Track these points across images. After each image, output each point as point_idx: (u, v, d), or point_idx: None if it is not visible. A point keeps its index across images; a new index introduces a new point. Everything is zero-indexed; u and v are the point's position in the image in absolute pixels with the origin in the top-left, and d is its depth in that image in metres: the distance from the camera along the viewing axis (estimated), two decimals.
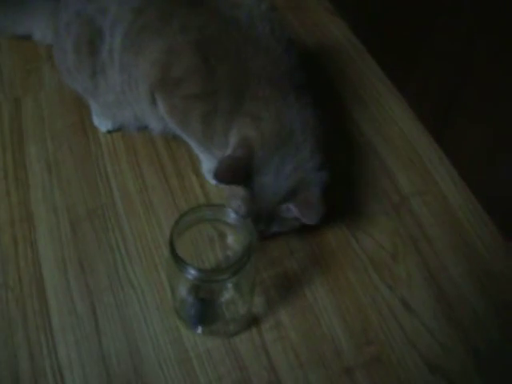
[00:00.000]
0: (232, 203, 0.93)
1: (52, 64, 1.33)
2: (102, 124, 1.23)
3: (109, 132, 1.23)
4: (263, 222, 0.96)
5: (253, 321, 0.98)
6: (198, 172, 1.17)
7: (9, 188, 1.15)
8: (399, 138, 1.26)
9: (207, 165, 1.15)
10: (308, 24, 1.51)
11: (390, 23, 1.33)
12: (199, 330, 0.96)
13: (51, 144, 1.22)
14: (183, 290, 0.96)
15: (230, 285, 0.95)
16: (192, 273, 0.80)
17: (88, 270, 1.04)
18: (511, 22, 0.95)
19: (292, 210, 0.93)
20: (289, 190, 0.93)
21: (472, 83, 1.10)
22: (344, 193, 1.16)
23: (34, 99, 1.30)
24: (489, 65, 1.04)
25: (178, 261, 0.81)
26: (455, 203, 1.16)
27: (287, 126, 0.94)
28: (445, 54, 1.16)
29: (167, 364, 0.94)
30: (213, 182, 1.15)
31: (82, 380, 0.93)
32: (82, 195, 1.14)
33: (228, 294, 0.97)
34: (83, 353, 0.95)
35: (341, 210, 1.13)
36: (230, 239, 1.01)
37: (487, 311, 1.01)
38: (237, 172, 0.90)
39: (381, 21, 1.38)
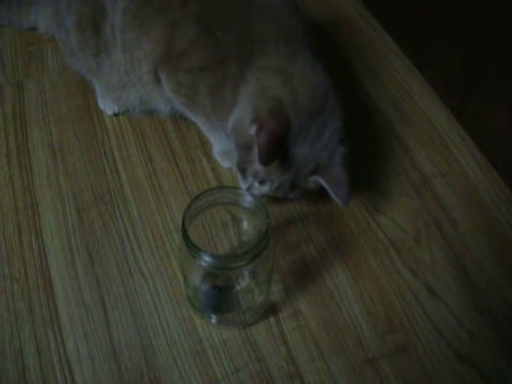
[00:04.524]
0: (248, 169, 0.91)
1: (55, 46, 1.29)
2: (108, 107, 1.19)
3: (115, 115, 1.19)
4: (283, 190, 0.93)
5: (270, 309, 0.94)
6: (209, 155, 1.12)
7: (12, 174, 1.11)
8: (418, 115, 1.21)
9: (218, 147, 1.11)
10: (322, 1, 1.46)
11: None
12: (214, 319, 0.92)
13: (55, 128, 1.17)
14: (197, 278, 0.91)
15: (246, 272, 0.90)
16: (206, 259, 0.76)
17: (96, 258, 1.00)
18: None
19: (321, 184, 0.90)
20: (322, 162, 0.89)
21: (493, 57, 1.06)
22: (362, 174, 1.11)
23: (37, 83, 1.26)
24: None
25: (192, 247, 0.76)
26: (478, 183, 1.11)
27: (320, 86, 0.90)
28: (464, 27, 1.11)
29: (181, 356, 0.90)
30: (224, 164, 1.11)
31: (92, 374, 0.88)
32: (89, 181, 1.09)
33: (244, 281, 0.92)
34: (92, 346, 0.91)
35: (360, 192, 1.08)
36: (245, 224, 0.96)
37: None
38: (279, 148, 0.86)
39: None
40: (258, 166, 0.89)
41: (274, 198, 1.03)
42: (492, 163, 1.13)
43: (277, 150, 0.86)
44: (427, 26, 1.23)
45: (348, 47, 1.35)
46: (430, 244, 1.02)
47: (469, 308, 0.95)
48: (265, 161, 0.86)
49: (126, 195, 1.07)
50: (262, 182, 0.92)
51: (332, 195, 0.89)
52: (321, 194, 1.04)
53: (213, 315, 0.92)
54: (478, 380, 0.89)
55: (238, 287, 0.93)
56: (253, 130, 0.85)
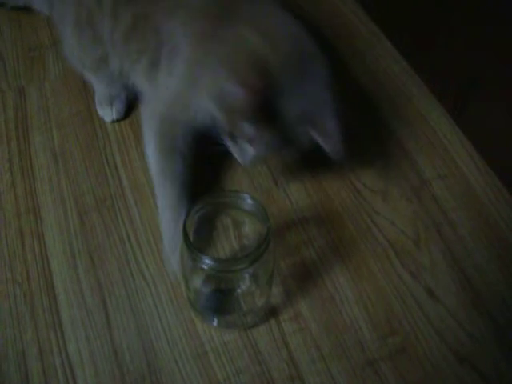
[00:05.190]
0: (237, 133, 0.90)
1: (56, 51, 1.30)
2: (106, 114, 1.20)
3: (114, 122, 1.20)
4: (276, 147, 0.92)
5: (271, 312, 0.94)
6: (210, 159, 1.13)
7: (14, 179, 1.11)
8: (417, 118, 1.22)
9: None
10: (322, 4, 1.47)
11: (405, 1, 1.29)
12: (215, 322, 0.92)
13: (57, 134, 1.18)
14: (198, 281, 0.91)
15: (246, 275, 0.90)
16: (207, 262, 0.76)
17: (98, 262, 1.00)
18: None
19: (312, 136, 0.89)
20: (312, 114, 0.88)
21: (492, 60, 1.06)
22: (362, 177, 1.11)
23: (39, 88, 1.27)
24: (509, 42, 1.00)
25: (192, 250, 0.76)
26: (478, 186, 1.11)
27: (299, 36, 0.91)
28: (462, 30, 1.12)
29: (182, 359, 0.90)
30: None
31: (94, 377, 0.89)
32: (90, 185, 1.10)
33: (244, 284, 0.92)
34: (94, 349, 0.91)
35: (359, 195, 1.09)
36: (246, 227, 0.97)
37: None
38: (266, 105, 0.85)
39: (396, 3, 1.33)
40: (247, 127, 0.88)
41: (272, 201, 1.03)
42: (491, 166, 1.13)
43: (265, 107, 0.85)
44: (425, 29, 1.24)
45: (346, 50, 1.36)
46: (430, 247, 1.02)
47: (469, 310, 0.95)
48: (256, 119, 0.85)
49: (127, 199, 1.08)
50: (253, 143, 0.90)
51: (324, 147, 0.88)
52: (321, 197, 1.05)
53: (214, 318, 0.92)
54: (478, 382, 0.88)
55: (239, 290, 0.93)
56: (239, 92, 0.84)
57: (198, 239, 0.87)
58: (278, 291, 0.96)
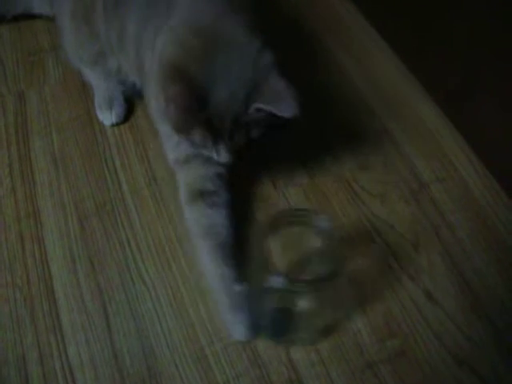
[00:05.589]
0: (193, 138, 0.89)
1: (56, 55, 1.30)
2: (106, 118, 1.20)
3: (113, 125, 1.20)
4: (237, 135, 0.89)
5: None
6: None
7: (14, 184, 1.11)
8: (416, 123, 1.23)
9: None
10: (318, 10, 1.47)
11: (404, 6, 1.29)
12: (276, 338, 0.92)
13: (57, 138, 1.19)
14: (263, 297, 0.89)
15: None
16: (279, 281, 0.77)
17: (98, 266, 1.00)
18: None
19: (263, 109, 0.85)
20: (248, 91, 0.85)
21: (490, 63, 1.06)
22: (361, 181, 1.12)
23: (39, 93, 1.27)
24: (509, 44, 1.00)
25: (266, 268, 0.77)
26: (476, 189, 1.12)
27: (211, 27, 0.88)
28: (460, 34, 1.12)
29: (182, 362, 0.91)
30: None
31: (94, 381, 0.89)
32: (90, 190, 1.10)
33: (305, 304, 0.88)
34: (95, 353, 0.91)
35: (358, 199, 1.09)
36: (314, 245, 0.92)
37: None
38: (191, 111, 0.83)
39: (394, 4, 1.33)
40: (197, 132, 0.87)
41: (271, 204, 1.04)
42: (489, 169, 1.14)
43: (191, 112, 0.84)
44: (426, 35, 1.24)
45: (342, 52, 1.36)
46: (429, 250, 1.03)
47: (467, 313, 0.96)
48: (179, 130, 0.86)
49: (127, 203, 1.08)
50: (215, 142, 0.89)
51: (275, 111, 0.84)
52: (319, 199, 1.05)
53: (277, 334, 0.93)
54: None
55: (298, 309, 0.89)
56: (163, 108, 0.85)
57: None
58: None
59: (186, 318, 0.95)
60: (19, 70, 1.31)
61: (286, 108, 0.83)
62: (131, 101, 1.22)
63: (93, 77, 1.22)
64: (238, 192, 1.05)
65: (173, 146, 1.03)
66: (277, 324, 0.92)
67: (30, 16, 1.39)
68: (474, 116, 1.15)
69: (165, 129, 1.01)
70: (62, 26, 1.17)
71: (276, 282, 0.76)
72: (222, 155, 0.92)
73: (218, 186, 1.02)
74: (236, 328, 0.91)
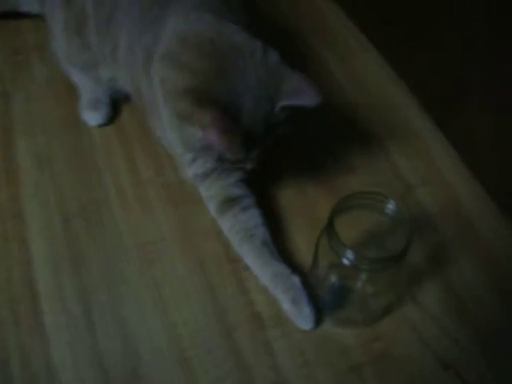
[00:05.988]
0: (211, 151, 0.88)
1: (42, 55, 1.29)
2: (91, 118, 1.20)
3: (99, 127, 1.19)
4: (269, 139, 0.90)
5: (255, 318, 0.95)
6: None
7: None
8: (402, 126, 1.23)
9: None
10: (302, 10, 1.48)
11: (390, 7, 1.30)
12: (328, 317, 0.95)
13: (42, 138, 1.18)
14: (325, 271, 0.93)
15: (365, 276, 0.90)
16: (349, 257, 0.79)
17: (82, 268, 1.00)
18: None
19: (289, 105, 0.86)
20: (269, 92, 0.85)
21: (477, 69, 1.07)
22: (347, 185, 1.12)
23: (24, 93, 1.26)
24: (494, 50, 1.01)
25: (337, 243, 0.79)
26: (462, 193, 1.12)
27: (211, 40, 0.86)
28: (449, 37, 1.13)
29: (166, 364, 0.90)
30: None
31: (78, 383, 0.88)
32: (75, 191, 1.10)
33: (361, 284, 0.91)
34: (78, 355, 0.91)
35: None
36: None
37: (499, 304, 0.97)
38: (232, 130, 0.83)
39: (379, 5, 1.34)
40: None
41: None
42: (474, 173, 1.14)
43: (234, 129, 0.83)
44: (412, 37, 1.24)
45: (332, 58, 1.36)
46: (413, 253, 1.02)
47: (452, 317, 0.96)
48: (237, 146, 0.85)
49: (111, 204, 1.08)
50: (249, 152, 0.89)
51: (303, 103, 0.85)
52: (306, 204, 1.05)
53: (331, 308, 0.95)
54: None
55: (355, 288, 0.93)
56: (201, 135, 0.84)
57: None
58: (262, 297, 0.97)
59: (170, 321, 0.94)
60: (4, 70, 1.30)
61: (309, 98, 0.84)
62: (117, 102, 1.22)
63: (82, 80, 1.21)
64: None
65: (189, 164, 1.02)
66: (337, 299, 0.95)
67: (16, 14, 1.37)
68: (460, 119, 1.16)
69: (179, 150, 1.01)
70: (54, 31, 1.15)
71: (347, 257, 0.79)
72: (250, 162, 0.93)
73: (243, 189, 1.03)
74: (301, 320, 0.93)
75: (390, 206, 0.85)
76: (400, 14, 1.26)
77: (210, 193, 1.04)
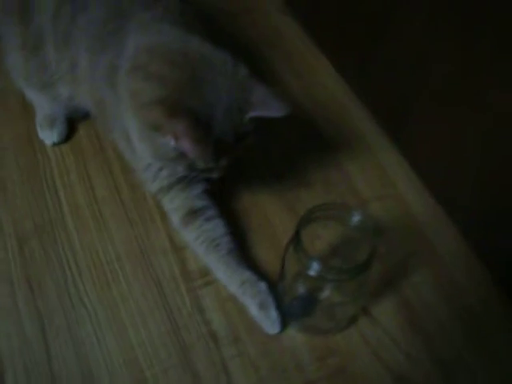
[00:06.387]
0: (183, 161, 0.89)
1: None
2: (47, 137, 1.19)
3: (54, 145, 1.19)
4: (237, 148, 0.91)
5: (210, 337, 0.95)
6: None
7: None
8: (356, 140, 1.25)
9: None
10: (259, 25, 1.49)
11: (344, 23, 1.32)
12: (294, 323, 0.97)
13: None
14: (292, 281, 0.94)
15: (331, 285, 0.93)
16: (316, 268, 0.81)
17: (37, 289, 0.99)
18: (470, 19, 0.94)
19: (257, 116, 0.89)
20: (239, 104, 0.87)
21: (430, 82, 1.09)
22: (302, 199, 1.13)
23: None
24: (446, 64, 1.03)
25: (304, 254, 0.81)
26: (415, 207, 1.14)
27: (180, 52, 0.88)
28: (401, 52, 1.15)
29: None
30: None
31: None
32: (30, 210, 1.09)
33: (327, 293, 0.94)
34: (32, 379, 0.90)
35: (297, 217, 1.10)
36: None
37: (451, 318, 1.00)
38: (204, 138, 0.84)
39: (334, 20, 1.36)
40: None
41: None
42: (428, 187, 1.16)
43: (205, 138, 0.84)
44: (366, 52, 1.26)
45: (288, 73, 1.38)
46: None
47: (405, 330, 0.98)
48: (208, 154, 0.86)
49: (67, 224, 1.07)
50: (217, 160, 0.90)
51: (272, 115, 0.88)
52: (261, 221, 1.06)
53: (297, 318, 0.97)
54: None
55: (322, 297, 0.95)
56: (173, 144, 0.85)
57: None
58: (217, 316, 0.97)
59: (126, 341, 0.94)
60: None
61: (278, 109, 0.88)
62: (73, 120, 1.21)
63: (37, 97, 1.20)
64: None
65: (152, 177, 1.02)
66: (304, 309, 0.96)
67: None
68: (413, 133, 1.18)
69: (142, 163, 1.01)
70: (8, 49, 1.12)
71: (313, 268, 0.81)
72: (218, 171, 0.94)
73: (207, 200, 1.04)
74: (268, 324, 0.95)
75: (356, 217, 0.87)
76: (353, 31, 1.28)
77: (174, 205, 1.04)
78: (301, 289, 0.95)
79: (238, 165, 0.98)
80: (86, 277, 1.01)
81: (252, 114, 0.88)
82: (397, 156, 1.21)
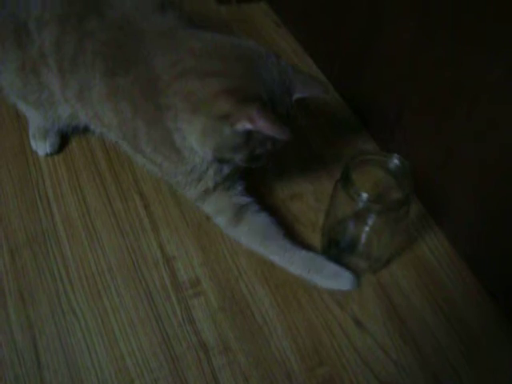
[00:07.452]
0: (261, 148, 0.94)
1: None
2: (40, 148, 1.20)
3: (47, 156, 1.20)
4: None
5: (200, 347, 0.95)
6: (141, 193, 1.14)
7: None
8: (347, 148, 1.26)
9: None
10: (254, 37, 1.50)
11: (337, 35, 1.33)
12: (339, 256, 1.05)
13: None
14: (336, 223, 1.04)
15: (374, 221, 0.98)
16: (364, 199, 0.90)
17: (28, 300, 0.99)
18: (458, 30, 0.96)
19: (301, 97, 0.95)
20: (287, 88, 0.93)
21: (420, 94, 1.10)
22: (292, 208, 1.14)
23: None
24: (435, 76, 1.04)
25: (352, 187, 0.91)
26: None
27: (231, 45, 0.93)
28: (391, 64, 1.16)
29: None
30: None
31: None
32: (22, 221, 1.09)
33: (369, 229, 1.00)
34: None
35: (292, 229, 1.11)
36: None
37: (440, 326, 1.00)
38: (275, 116, 0.87)
39: (327, 32, 1.37)
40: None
41: (203, 234, 1.05)
42: (418, 196, 1.17)
43: (275, 115, 0.87)
44: (357, 63, 1.28)
45: None
46: (358, 278, 1.05)
47: (395, 339, 0.98)
48: (286, 128, 0.87)
49: (59, 235, 1.08)
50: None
51: (315, 95, 0.96)
52: None
53: (343, 254, 1.06)
54: None
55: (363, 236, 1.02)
56: (247, 126, 0.86)
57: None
58: (207, 325, 0.98)
59: (117, 350, 0.94)
60: None
61: (318, 90, 0.96)
62: (66, 132, 1.22)
63: (32, 115, 1.21)
64: None
65: (197, 180, 1.03)
66: (347, 250, 1.07)
67: None
68: (403, 143, 1.18)
69: (186, 167, 1.01)
70: (3, 70, 1.10)
71: (361, 199, 0.90)
72: (265, 159, 0.98)
73: (248, 196, 1.09)
74: (347, 284, 1.03)
75: (394, 161, 0.96)
76: (345, 38, 1.30)
77: (219, 207, 1.07)
78: (345, 231, 1.05)
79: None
80: (78, 287, 1.01)
81: (298, 94, 0.94)
82: None
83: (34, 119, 1.21)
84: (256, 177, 1.14)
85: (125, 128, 1.00)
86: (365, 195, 0.90)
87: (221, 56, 0.91)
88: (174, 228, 1.10)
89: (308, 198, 1.17)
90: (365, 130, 1.29)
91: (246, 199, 1.08)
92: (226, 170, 1.02)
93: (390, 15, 1.12)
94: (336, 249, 1.07)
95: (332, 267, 1.03)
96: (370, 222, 0.97)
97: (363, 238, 1.02)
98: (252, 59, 0.91)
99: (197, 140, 0.92)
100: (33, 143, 1.21)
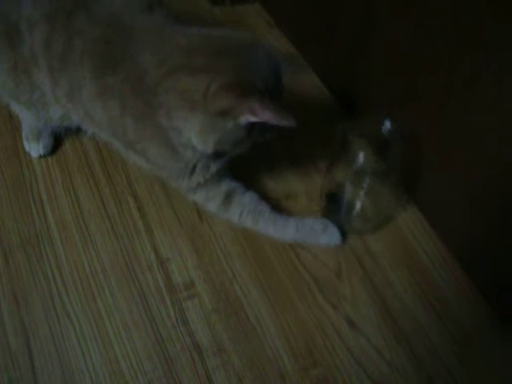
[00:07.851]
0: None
1: None
2: (33, 149, 1.20)
3: (41, 157, 1.20)
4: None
5: (194, 348, 0.95)
6: (135, 195, 1.14)
7: None
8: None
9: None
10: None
11: (330, 36, 1.33)
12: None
13: None
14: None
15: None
16: (361, 159, 1.00)
17: (22, 302, 0.99)
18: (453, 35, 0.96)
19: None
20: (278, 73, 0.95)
21: (414, 96, 1.11)
22: (287, 211, 1.15)
23: None
24: (428, 78, 1.05)
25: (351, 149, 1.01)
26: (399, 217, 1.15)
27: (220, 39, 0.93)
28: (384, 65, 1.16)
29: None
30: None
31: None
32: (15, 223, 1.09)
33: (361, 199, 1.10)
34: None
35: None
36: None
37: (433, 326, 1.01)
38: (274, 103, 0.88)
39: (320, 33, 1.37)
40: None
41: (196, 235, 1.05)
42: (411, 197, 1.18)
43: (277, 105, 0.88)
44: (351, 64, 1.28)
45: None
46: (351, 278, 1.05)
47: (388, 339, 0.99)
48: (290, 117, 0.88)
49: (52, 237, 1.08)
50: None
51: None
52: (244, 230, 1.07)
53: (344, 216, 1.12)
54: None
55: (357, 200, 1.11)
56: (250, 118, 0.87)
57: None
58: (201, 327, 0.98)
59: (111, 353, 0.95)
60: None
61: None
62: (59, 133, 1.22)
63: (24, 115, 1.20)
64: None
65: (188, 174, 1.04)
66: (345, 213, 1.13)
67: None
68: None
69: (177, 164, 1.02)
70: None
71: (359, 159, 1.00)
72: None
73: (234, 181, 1.12)
74: (334, 238, 1.10)
75: (387, 124, 1.02)
76: (339, 41, 1.30)
77: (210, 195, 1.09)
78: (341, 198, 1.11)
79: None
80: (71, 289, 1.01)
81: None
82: None
83: (27, 120, 1.21)
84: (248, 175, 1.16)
85: (114, 125, 1.00)
86: (362, 153, 0.98)
87: (209, 50, 0.91)
88: (168, 230, 1.10)
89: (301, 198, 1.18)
90: (358, 131, 1.29)
91: (233, 184, 1.11)
92: (218, 164, 1.03)
93: (384, 17, 1.13)
94: (334, 209, 1.13)
95: (320, 222, 1.10)
96: (365, 184, 1.05)
97: (359, 198, 1.09)
98: (241, 50, 0.91)
99: (196, 136, 0.93)
100: (26, 145, 1.20)
